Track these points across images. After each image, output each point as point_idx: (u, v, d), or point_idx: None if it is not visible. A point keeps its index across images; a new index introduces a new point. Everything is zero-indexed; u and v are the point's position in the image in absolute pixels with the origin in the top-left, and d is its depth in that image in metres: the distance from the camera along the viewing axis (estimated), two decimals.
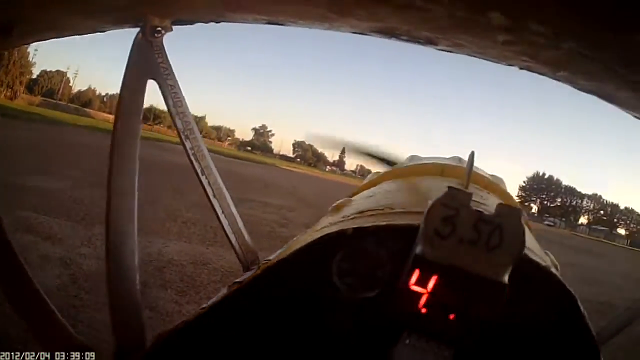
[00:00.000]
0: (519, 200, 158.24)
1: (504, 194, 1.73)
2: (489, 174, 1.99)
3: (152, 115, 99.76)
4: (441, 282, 0.86)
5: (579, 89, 1.31)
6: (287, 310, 1.02)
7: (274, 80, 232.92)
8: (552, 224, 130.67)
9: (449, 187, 0.91)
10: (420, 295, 0.88)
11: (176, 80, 1.40)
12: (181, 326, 1.04)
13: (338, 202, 1.43)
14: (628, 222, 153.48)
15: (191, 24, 1.46)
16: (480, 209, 0.89)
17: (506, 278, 0.85)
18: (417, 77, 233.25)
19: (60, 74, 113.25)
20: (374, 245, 0.99)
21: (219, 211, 1.46)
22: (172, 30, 1.40)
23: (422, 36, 1.23)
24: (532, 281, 0.95)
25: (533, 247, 1.13)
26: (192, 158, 1.43)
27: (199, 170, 1.43)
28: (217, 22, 1.46)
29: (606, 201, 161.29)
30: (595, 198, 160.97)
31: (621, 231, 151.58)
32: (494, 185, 1.72)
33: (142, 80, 1.36)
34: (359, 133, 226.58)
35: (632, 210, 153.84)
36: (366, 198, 1.47)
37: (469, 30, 1.12)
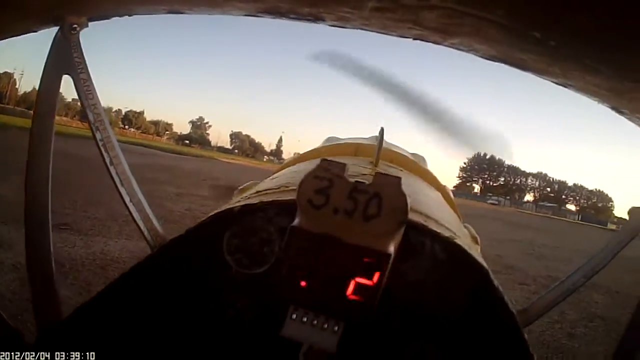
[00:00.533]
0: (461, 181, 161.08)
1: (422, 171, 1.84)
2: (410, 152, 2.14)
3: None
4: (319, 253, 0.88)
5: (485, 58, 1.35)
6: (181, 286, 1.06)
7: (209, 71, 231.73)
8: (496, 202, 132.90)
9: (322, 160, 0.94)
10: (299, 267, 0.89)
11: (89, 74, 1.44)
12: (86, 303, 1.09)
13: (245, 184, 1.50)
14: (577, 197, 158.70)
15: (107, 19, 1.51)
16: (360, 180, 0.91)
17: (390, 248, 0.87)
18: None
19: (8, 76, 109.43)
20: (261, 222, 1.03)
21: (127, 199, 1.50)
22: (87, 26, 1.45)
23: (305, 13, 1.28)
24: (434, 253, 0.97)
25: (445, 220, 1.17)
26: (102, 149, 1.47)
27: (107, 161, 1.47)
28: (129, 16, 1.52)
29: (553, 178, 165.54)
30: (540, 176, 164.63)
31: (571, 207, 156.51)
32: (411, 163, 1.81)
33: (58, 76, 1.41)
34: (291, 118, 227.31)
35: (582, 186, 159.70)
36: (270, 180, 1.53)
37: (344, 2, 1.15)
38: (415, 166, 1.82)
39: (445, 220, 1.17)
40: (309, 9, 1.25)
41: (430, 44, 1.36)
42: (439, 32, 1.25)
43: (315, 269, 0.88)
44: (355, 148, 1.78)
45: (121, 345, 1.06)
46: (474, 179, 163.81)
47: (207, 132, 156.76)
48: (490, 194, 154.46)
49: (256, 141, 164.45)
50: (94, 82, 1.44)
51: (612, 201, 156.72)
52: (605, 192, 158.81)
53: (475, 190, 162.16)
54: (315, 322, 0.89)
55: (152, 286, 1.06)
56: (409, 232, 0.94)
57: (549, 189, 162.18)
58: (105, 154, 1.47)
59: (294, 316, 0.90)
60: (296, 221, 0.90)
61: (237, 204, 1.08)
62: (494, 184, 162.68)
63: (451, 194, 2.06)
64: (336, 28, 1.36)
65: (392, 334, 0.96)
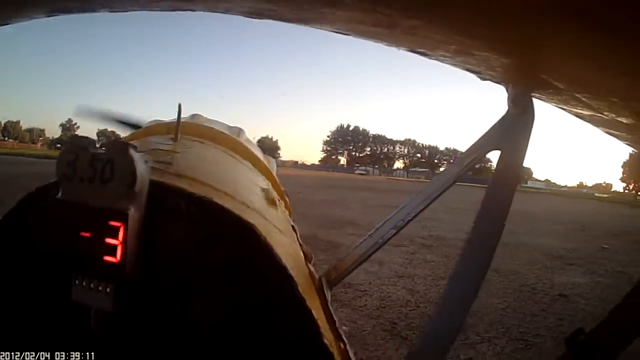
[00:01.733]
0: (326, 154, 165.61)
1: (231, 142, 2.01)
2: (229, 126, 2.34)
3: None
4: (74, 220, 0.97)
5: (244, 15, 1.34)
6: (6, 269, 1.11)
7: (77, 71, 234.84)
8: (364, 172, 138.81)
9: (72, 136, 1.07)
10: (66, 235, 0.98)
11: None
12: None
13: None
14: (451, 160, 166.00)
15: None
16: (98, 150, 1.00)
17: (129, 208, 0.96)
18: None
19: None
20: (49, 200, 1.06)
21: None
22: None
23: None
24: (191, 213, 1.04)
25: (221, 182, 1.27)
26: None
27: None
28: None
29: (422, 144, 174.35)
30: (409, 142, 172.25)
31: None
32: (220, 136, 1.98)
33: None
34: (156, 113, 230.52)
35: (455, 150, 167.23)
36: None
37: None
38: (225, 138, 1.98)
39: (221, 182, 1.28)
40: None
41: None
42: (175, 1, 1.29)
43: (75, 234, 0.97)
44: (167, 127, 1.88)
45: None
46: (339, 151, 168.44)
47: (76, 133, 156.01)
48: (358, 165, 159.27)
49: (121, 137, 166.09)
50: None
51: (490, 161, 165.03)
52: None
53: (342, 162, 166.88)
54: (92, 285, 0.98)
55: None
56: (165, 194, 1.03)
57: (419, 155, 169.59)
58: None
59: (77, 281, 0.98)
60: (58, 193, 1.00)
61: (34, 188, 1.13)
62: (361, 154, 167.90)
63: (271, 163, 2.35)
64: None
65: (167, 294, 1.03)
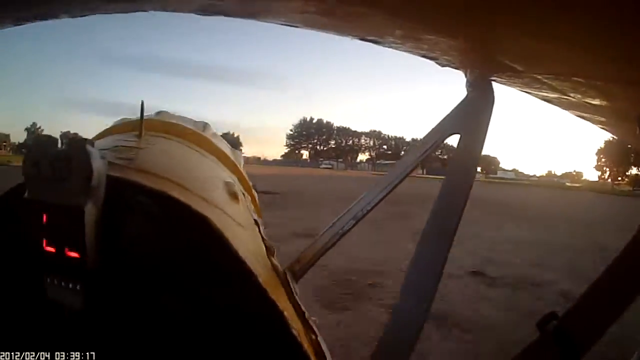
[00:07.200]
0: (289, 148, 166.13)
1: (196, 137, 2.00)
2: (194, 121, 2.24)
3: None
4: (40, 219, 0.99)
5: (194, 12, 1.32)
6: None
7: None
8: (329, 166, 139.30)
9: (35, 136, 1.12)
10: (34, 234, 0.99)
11: None
12: None
13: None
14: None
15: None
16: (59, 148, 1.02)
17: (86, 204, 0.96)
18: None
19: None
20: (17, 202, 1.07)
21: None
22: None
23: None
24: (149, 207, 1.05)
25: (182, 177, 1.28)
26: None
27: None
28: None
29: (388, 135, 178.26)
30: (374, 134, 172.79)
31: None
32: (186, 131, 1.98)
33: None
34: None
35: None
36: None
37: None
38: (190, 133, 1.98)
39: (182, 177, 1.29)
40: None
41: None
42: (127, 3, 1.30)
43: (40, 233, 0.99)
44: (132, 125, 1.80)
45: None
46: (302, 145, 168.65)
47: None
48: (322, 159, 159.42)
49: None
50: None
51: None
52: (450, 144, 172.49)
53: (305, 157, 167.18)
54: (63, 283, 0.98)
55: None
56: (124, 189, 1.05)
57: (385, 147, 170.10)
58: None
59: (48, 280, 0.99)
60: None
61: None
62: (325, 148, 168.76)
63: (238, 157, 2.32)
64: None
65: (134, 289, 1.03)
